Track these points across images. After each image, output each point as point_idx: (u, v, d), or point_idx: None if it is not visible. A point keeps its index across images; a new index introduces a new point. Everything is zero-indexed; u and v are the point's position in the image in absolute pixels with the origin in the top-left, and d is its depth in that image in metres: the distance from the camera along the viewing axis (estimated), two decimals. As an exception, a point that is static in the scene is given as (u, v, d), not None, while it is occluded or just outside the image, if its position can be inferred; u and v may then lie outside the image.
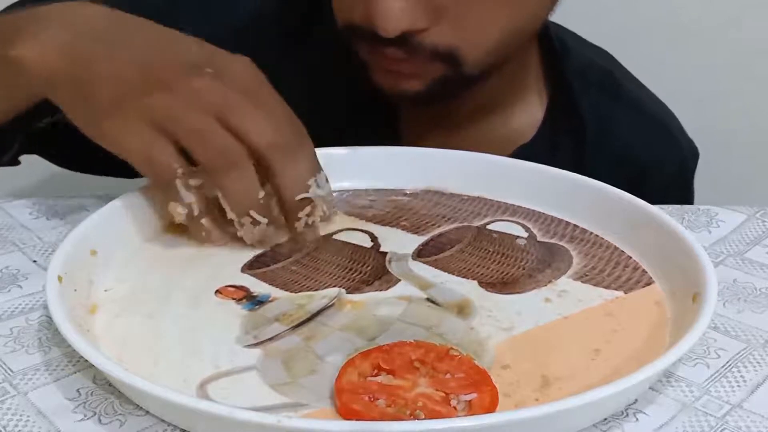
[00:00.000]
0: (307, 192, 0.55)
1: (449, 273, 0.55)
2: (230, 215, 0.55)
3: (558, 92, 0.78)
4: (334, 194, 0.63)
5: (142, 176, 0.80)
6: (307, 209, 0.56)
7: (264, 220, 0.55)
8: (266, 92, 0.55)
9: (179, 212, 0.55)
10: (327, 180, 0.57)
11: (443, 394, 0.43)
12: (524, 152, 0.75)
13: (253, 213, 0.54)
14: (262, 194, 0.54)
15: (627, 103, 0.80)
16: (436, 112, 0.75)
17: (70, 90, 0.55)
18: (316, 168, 0.56)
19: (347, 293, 0.52)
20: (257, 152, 0.53)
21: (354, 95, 0.74)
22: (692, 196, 0.84)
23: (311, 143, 0.56)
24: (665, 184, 0.80)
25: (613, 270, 0.55)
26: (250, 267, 0.55)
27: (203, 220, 0.56)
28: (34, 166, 0.64)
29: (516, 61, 0.73)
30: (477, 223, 0.61)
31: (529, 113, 0.78)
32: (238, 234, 0.56)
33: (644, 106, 0.81)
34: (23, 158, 0.69)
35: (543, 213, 0.62)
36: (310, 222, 0.57)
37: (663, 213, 0.56)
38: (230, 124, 0.52)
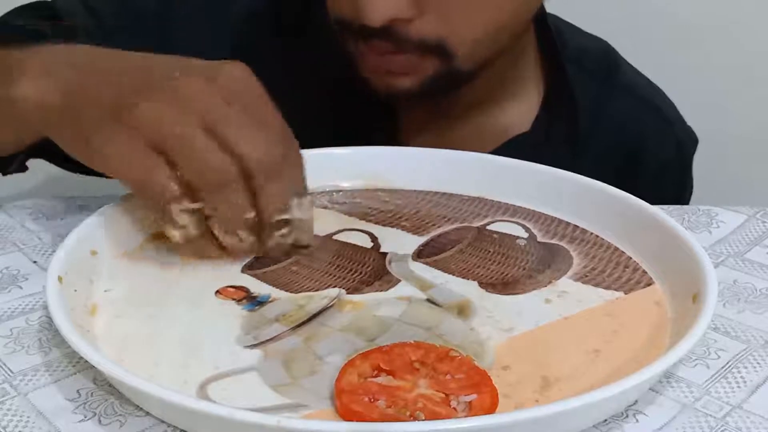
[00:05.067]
0: (286, 213, 0.52)
1: (449, 273, 0.55)
2: (217, 233, 0.52)
3: (555, 81, 0.78)
4: (336, 194, 0.64)
5: None
6: (284, 230, 0.53)
7: (251, 239, 0.53)
8: (261, 102, 0.52)
9: (174, 234, 0.52)
10: (311, 205, 0.54)
11: (443, 395, 0.43)
12: (519, 141, 0.76)
13: (240, 232, 0.52)
14: (251, 214, 0.51)
15: (621, 87, 0.80)
16: (434, 107, 0.75)
17: (61, 120, 0.53)
18: (301, 190, 0.53)
19: (347, 294, 0.52)
20: (246, 168, 0.50)
21: (351, 91, 0.74)
22: (691, 184, 0.84)
23: (302, 162, 0.53)
24: (662, 165, 0.80)
25: (613, 270, 0.55)
26: (250, 267, 0.55)
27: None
28: (34, 166, 0.64)
29: (512, 53, 0.74)
30: (477, 223, 0.61)
31: (527, 104, 0.79)
32: (225, 245, 0.53)
33: (638, 89, 0.82)
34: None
35: (543, 213, 0.62)
36: (283, 242, 0.54)
37: (663, 213, 0.56)
38: (221, 136, 0.50)
